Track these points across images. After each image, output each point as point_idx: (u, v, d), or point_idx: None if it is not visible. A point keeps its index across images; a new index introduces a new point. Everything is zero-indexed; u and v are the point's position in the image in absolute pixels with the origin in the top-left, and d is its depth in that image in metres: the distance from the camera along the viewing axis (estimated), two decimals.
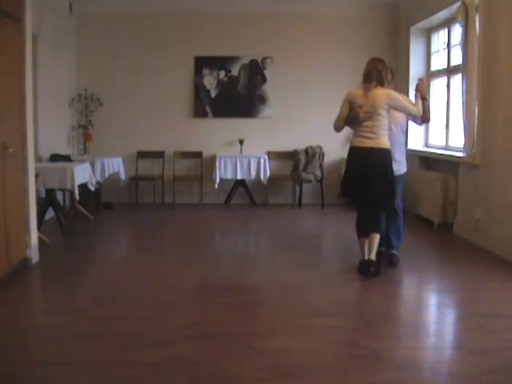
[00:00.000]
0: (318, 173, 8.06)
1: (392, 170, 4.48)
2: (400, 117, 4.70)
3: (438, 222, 6.40)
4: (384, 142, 4.42)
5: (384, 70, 4.45)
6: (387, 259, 4.82)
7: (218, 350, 3.08)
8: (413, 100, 4.67)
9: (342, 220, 7.43)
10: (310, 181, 8.04)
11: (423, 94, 4.56)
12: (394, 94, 4.46)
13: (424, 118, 4.71)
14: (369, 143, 4.42)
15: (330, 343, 3.20)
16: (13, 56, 4.55)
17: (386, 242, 4.86)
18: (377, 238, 4.54)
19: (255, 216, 7.73)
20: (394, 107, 4.43)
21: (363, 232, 4.58)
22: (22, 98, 4.70)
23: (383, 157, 4.41)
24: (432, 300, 4.26)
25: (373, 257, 4.52)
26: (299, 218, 7.76)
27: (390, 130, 4.60)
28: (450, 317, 3.84)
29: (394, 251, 4.87)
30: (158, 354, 3.01)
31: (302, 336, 3.31)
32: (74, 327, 3.42)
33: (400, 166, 4.76)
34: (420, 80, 4.69)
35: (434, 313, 3.98)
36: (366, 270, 4.47)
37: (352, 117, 4.49)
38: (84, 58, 8.14)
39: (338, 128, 4.72)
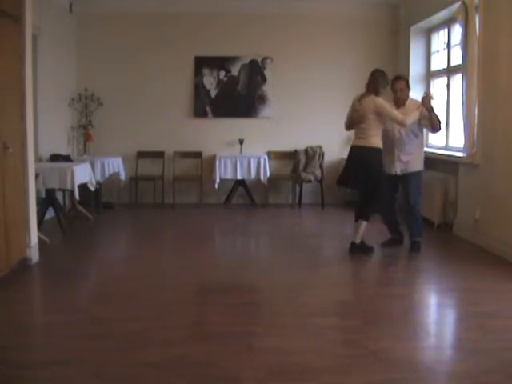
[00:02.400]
0: (318, 173, 8.07)
1: (379, 166, 5.08)
2: (412, 125, 5.14)
3: (438, 222, 6.40)
4: (372, 142, 5.05)
5: (380, 81, 5.05)
6: (410, 246, 5.35)
7: (217, 350, 3.08)
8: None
9: (342, 220, 7.44)
10: (309, 181, 8.04)
11: (427, 107, 5.05)
12: (379, 102, 5.01)
13: (433, 127, 5.24)
14: (359, 142, 5.13)
15: (329, 343, 3.20)
16: (13, 56, 4.55)
17: (394, 230, 5.49)
18: (363, 225, 5.19)
19: (255, 216, 7.73)
20: (379, 113, 5.00)
21: (356, 218, 5.33)
22: (22, 98, 4.70)
23: (369, 154, 5.05)
24: (432, 300, 4.27)
25: (356, 240, 5.22)
26: (299, 218, 7.76)
27: (399, 133, 5.22)
28: (450, 317, 3.84)
29: (416, 238, 5.33)
30: (158, 354, 3.01)
31: (301, 336, 3.32)
32: (74, 327, 3.42)
33: (409, 165, 5.28)
34: (425, 93, 5.25)
35: (434, 313, 3.99)
36: (350, 249, 5.28)
37: (351, 119, 5.24)
38: (84, 58, 8.14)
39: (345, 126, 5.43)
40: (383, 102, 5.04)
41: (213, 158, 8.07)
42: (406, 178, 5.32)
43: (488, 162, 5.43)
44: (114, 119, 8.19)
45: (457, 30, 6.37)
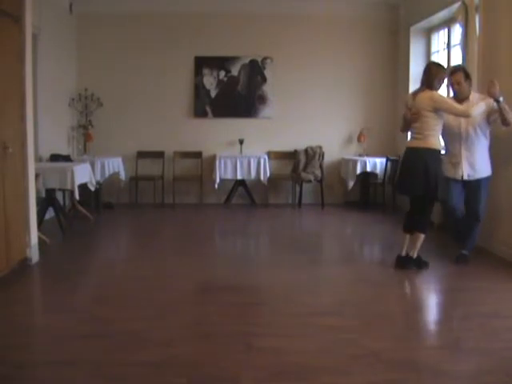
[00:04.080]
0: (318, 173, 8.06)
1: (436, 169, 4.54)
2: (479, 121, 4.70)
3: (438, 222, 6.40)
4: (429, 142, 4.53)
5: (436, 74, 4.53)
6: (456, 257, 4.90)
7: (218, 350, 3.08)
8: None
9: (342, 220, 7.45)
10: (309, 181, 8.04)
11: (493, 96, 4.48)
12: (437, 96, 4.52)
13: (503, 121, 4.61)
14: (414, 143, 4.62)
15: (329, 343, 3.19)
16: (13, 56, 4.55)
17: (460, 241, 4.99)
18: (420, 237, 4.69)
19: (255, 216, 7.73)
20: (438, 109, 4.49)
21: (405, 227, 4.79)
22: (22, 98, 4.70)
23: (425, 156, 4.53)
24: (432, 300, 4.26)
25: (412, 254, 4.71)
26: (299, 218, 7.76)
27: (466, 130, 4.72)
28: (450, 317, 3.84)
29: (466, 251, 4.91)
30: (158, 354, 3.01)
31: (301, 336, 3.31)
32: (74, 327, 3.42)
33: (478, 169, 4.78)
34: (490, 82, 4.54)
35: (434, 313, 3.98)
36: (398, 264, 4.74)
37: (405, 118, 4.71)
38: (84, 58, 8.14)
39: (401, 129, 4.93)
40: (442, 96, 4.58)
41: (213, 158, 8.07)
42: (475, 185, 4.79)
43: None
44: (114, 119, 8.20)
45: (457, 30, 6.37)
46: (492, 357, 2.98)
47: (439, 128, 4.59)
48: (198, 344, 3.18)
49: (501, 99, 4.48)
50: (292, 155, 8.31)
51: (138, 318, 3.57)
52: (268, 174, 7.96)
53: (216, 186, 7.87)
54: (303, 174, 8.03)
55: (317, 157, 8.11)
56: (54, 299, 4.02)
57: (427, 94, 4.52)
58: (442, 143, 4.90)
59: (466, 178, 4.79)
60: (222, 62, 8.28)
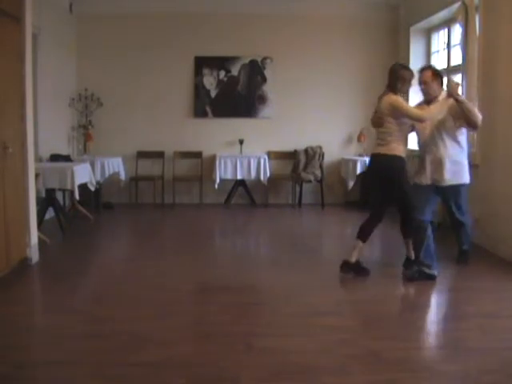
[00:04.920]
0: (318, 173, 8.07)
1: (401, 176, 4.37)
2: (444, 124, 4.47)
3: (438, 222, 6.39)
4: (393, 149, 4.34)
5: (400, 76, 4.34)
6: (457, 256, 4.94)
7: (218, 350, 3.08)
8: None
9: (342, 220, 7.44)
10: (309, 181, 8.04)
11: (451, 95, 4.28)
12: (394, 99, 4.32)
13: (468, 123, 4.41)
14: (378, 149, 4.44)
15: (329, 343, 3.19)
16: (13, 56, 4.55)
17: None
18: (410, 242, 4.59)
19: (255, 216, 7.73)
20: (398, 114, 4.31)
21: (360, 233, 4.60)
22: (21, 98, 4.70)
23: (388, 163, 4.37)
24: (432, 300, 4.26)
25: (410, 256, 4.64)
26: (299, 218, 7.76)
27: (432, 135, 4.52)
28: (450, 317, 3.84)
29: (465, 247, 4.91)
30: (158, 354, 3.01)
31: (301, 336, 3.31)
32: (74, 327, 3.42)
33: (452, 176, 4.54)
34: (448, 80, 4.41)
35: (434, 313, 3.98)
36: (341, 267, 4.54)
37: (372, 121, 4.57)
38: (84, 58, 8.14)
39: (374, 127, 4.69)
40: (398, 100, 4.32)
41: (213, 158, 8.07)
42: (448, 193, 4.61)
43: (488, 162, 5.42)
44: (114, 119, 8.20)
45: (457, 30, 6.37)
46: (491, 357, 2.98)
47: (402, 134, 4.40)
48: (198, 344, 3.18)
49: (460, 98, 4.29)
50: (292, 155, 8.31)
51: (137, 318, 3.57)
52: (268, 174, 7.96)
53: (216, 186, 7.87)
54: (303, 174, 8.03)
55: (317, 157, 8.11)
56: (54, 299, 4.02)
57: (388, 98, 4.35)
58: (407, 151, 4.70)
59: (428, 182, 4.58)
60: (222, 62, 8.28)
